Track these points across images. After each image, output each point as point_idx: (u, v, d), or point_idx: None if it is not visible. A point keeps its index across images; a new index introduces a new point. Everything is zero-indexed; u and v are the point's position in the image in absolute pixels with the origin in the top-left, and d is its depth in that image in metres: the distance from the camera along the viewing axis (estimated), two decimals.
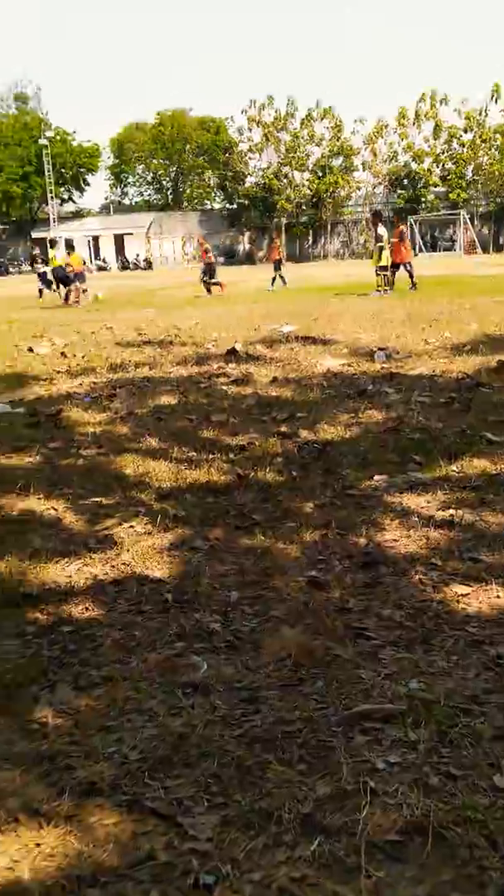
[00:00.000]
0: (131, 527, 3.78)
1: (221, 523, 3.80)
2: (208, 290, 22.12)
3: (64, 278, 20.97)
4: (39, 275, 23.53)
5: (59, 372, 8.59)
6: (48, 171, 61.15)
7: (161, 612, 2.95)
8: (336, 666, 2.49)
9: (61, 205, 67.46)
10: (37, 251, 24.17)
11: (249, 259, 64.33)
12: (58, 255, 21.45)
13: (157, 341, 10.66)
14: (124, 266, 61.12)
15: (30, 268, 48.37)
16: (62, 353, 9.95)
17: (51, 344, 10.85)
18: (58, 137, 64.67)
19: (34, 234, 61.23)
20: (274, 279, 23.96)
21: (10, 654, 2.66)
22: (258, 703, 2.30)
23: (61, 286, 21.59)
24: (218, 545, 3.56)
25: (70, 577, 3.26)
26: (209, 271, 22.69)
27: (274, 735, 2.13)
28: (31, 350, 10.36)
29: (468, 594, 2.99)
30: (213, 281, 22.43)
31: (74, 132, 66.84)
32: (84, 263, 23.92)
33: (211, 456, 4.89)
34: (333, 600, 2.96)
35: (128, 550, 3.50)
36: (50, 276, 22.46)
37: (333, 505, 4.00)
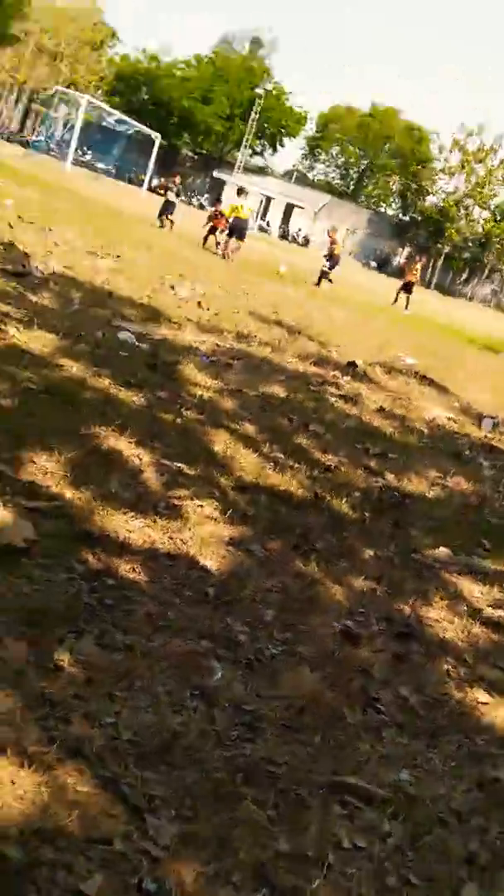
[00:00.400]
0: (201, 506, 3.86)
1: (283, 538, 3.86)
2: (319, 282, 21.58)
3: (240, 231, 20.78)
4: (168, 202, 23.24)
5: (189, 320, 8.72)
6: (252, 121, 61.42)
7: (199, 603, 3.03)
8: (339, 727, 2.53)
9: (251, 156, 67.75)
10: (175, 181, 23.86)
11: (401, 273, 63.58)
12: (244, 206, 21.38)
13: (286, 325, 10.71)
14: (283, 236, 61.17)
15: (198, 204, 49.10)
16: (199, 303, 10.09)
17: (191, 289, 11.01)
18: (273, 92, 64.83)
19: (215, 174, 61.74)
20: (407, 302, 23.32)
21: (56, 587, 2.77)
22: (255, 732, 2.36)
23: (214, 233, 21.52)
24: (273, 558, 3.62)
25: (131, 532, 3.37)
26: (331, 262, 22.09)
27: (259, 771, 2.18)
28: (172, 289, 10.54)
29: (488, 703, 2.99)
30: (328, 272, 21.84)
31: (290, 93, 66.72)
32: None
33: (297, 465, 4.93)
34: (359, 658, 2.99)
35: (190, 529, 3.59)
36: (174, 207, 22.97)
37: (392, 562, 4.01)
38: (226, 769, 2.15)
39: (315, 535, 4.01)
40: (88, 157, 53.10)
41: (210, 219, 22.11)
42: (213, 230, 21.58)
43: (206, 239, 21.56)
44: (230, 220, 20.62)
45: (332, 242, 22.55)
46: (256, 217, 17.86)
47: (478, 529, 4.89)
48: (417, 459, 6.06)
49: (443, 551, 4.35)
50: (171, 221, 23.07)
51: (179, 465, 4.28)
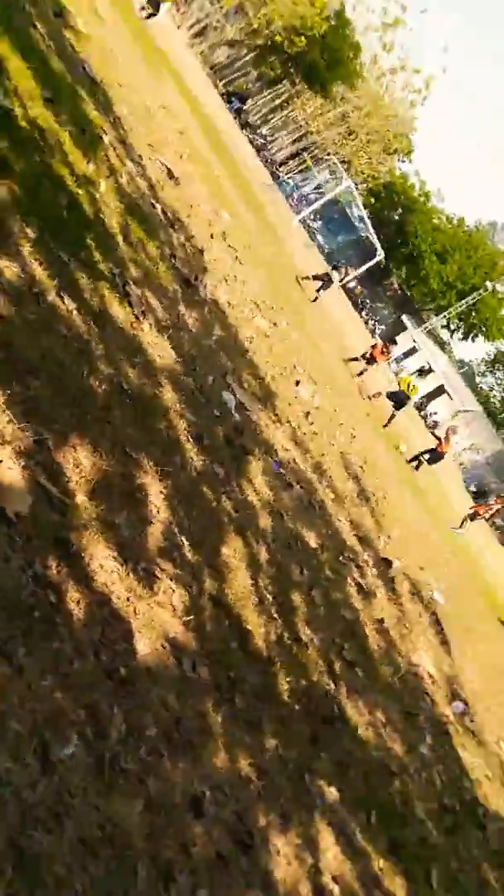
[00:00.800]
0: (173, 591, 3.81)
1: (215, 671, 3.77)
2: (416, 464, 21.07)
3: (400, 402, 20.44)
4: (327, 276, 22.81)
5: (289, 422, 8.77)
6: (463, 305, 62.91)
7: (105, 674, 2.96)
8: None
9: (441, 327, 68.73)
10: (346, 270, 24.16)
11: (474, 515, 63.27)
12: (417, 386, 21.23)
13: (362, 486, 10.69)
14: (419, 407, 61.56)
15: (372, 327, 49.54)
16: (307, 413, 10.18)
17: (312, 394, 11.12)
18: (498, 295, 66.01)
19: (403, 317, 63.02)
20: (462, 523, 22.40)
21: (6, 571, 2.75)
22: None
23: None
24: (193, 682, 3.53)
25: (101, 568, 3.34)
26: (432, 456, 21.31)
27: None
28: (297, 383, 10.70)
29: None
30: (424, 462, 21.32)
31: None
32: None
33: (277, 615, 4.85)
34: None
35: (149, 605, 3.54)
36: None
37: (274, 780, 3.87)
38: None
39: (242, 688, 3.90)
40: (315, 226, 54.78)
41: (373, 347, 21.56)
42: (369, 360, 21.13)
43: (355, 358, 21.28)
44: (397, 392, 20.67)
45: (444, 440, 22.41)
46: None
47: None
48: (374, 692, 5.87)
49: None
50: (318, 293, 22.29)
51: (184, 541, 4.25)
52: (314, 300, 21.93)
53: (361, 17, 50.47)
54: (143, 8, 20.07)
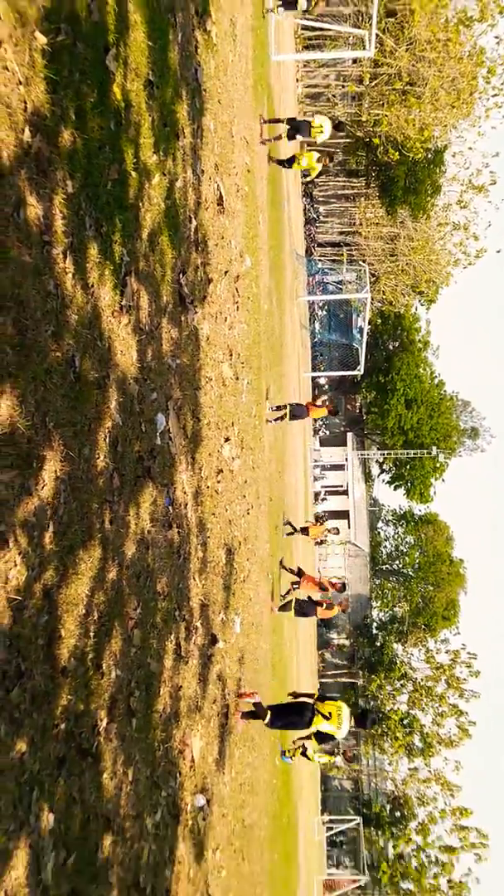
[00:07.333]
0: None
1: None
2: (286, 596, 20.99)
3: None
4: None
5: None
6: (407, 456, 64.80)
7: None
8: None
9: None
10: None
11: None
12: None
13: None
14: (321, 497, 62.19)
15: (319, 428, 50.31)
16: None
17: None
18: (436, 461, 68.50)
19: (349, 439, 64.33)
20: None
21: None
22: None
23: None
24: None
25: None
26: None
27: None
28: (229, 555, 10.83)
29: None
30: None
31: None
32: None
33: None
34: None
35: None
36: None
37: None
38: None
39: (25, 683, 3.91)
40: (319, 314, 55.98)
41: (300, 575, 19.51)
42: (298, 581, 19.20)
43: (283, 596, 18.34)
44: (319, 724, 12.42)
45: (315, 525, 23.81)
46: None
47: None
48: (136, 749, 5.90)
49: None
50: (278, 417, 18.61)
51: (51, 526, 4.27)
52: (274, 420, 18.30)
53: (455, 167, 52.63)
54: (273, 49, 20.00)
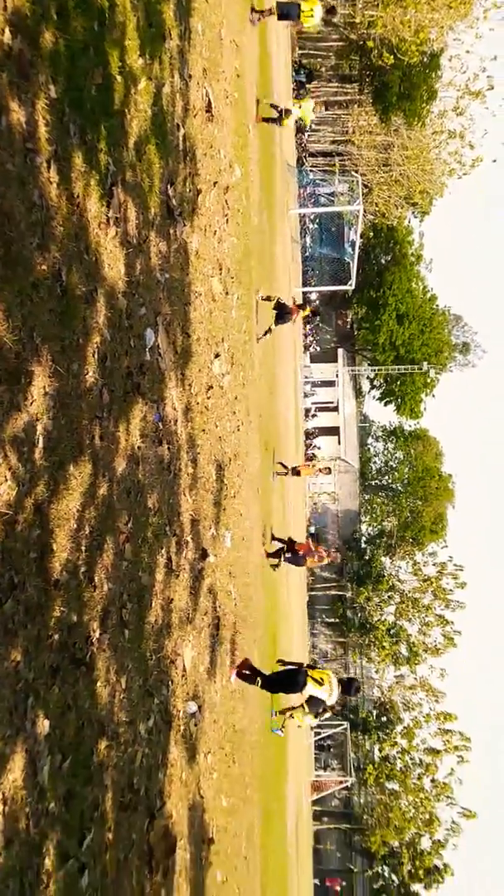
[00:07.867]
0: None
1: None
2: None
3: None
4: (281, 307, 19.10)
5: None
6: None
7: None
8: None
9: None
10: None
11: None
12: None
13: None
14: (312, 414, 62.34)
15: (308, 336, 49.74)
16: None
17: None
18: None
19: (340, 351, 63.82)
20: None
21: None
22: None
23: None
24: None
25: None
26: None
27: None
28: None
29: None
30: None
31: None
32: None
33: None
34: None
35: None
36: None
37: None
38: None
39: (18, 595, 3.97)
40: (310, 227, 54.86)
41: (292, 544, 18.85)
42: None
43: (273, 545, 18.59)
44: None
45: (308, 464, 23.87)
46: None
47: None
48: (129, 658, 6.06)
49: None
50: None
51: (40, 442, 4.27)
52: (263, 334, 18.44)
53: (451, 72, 50.97)
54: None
